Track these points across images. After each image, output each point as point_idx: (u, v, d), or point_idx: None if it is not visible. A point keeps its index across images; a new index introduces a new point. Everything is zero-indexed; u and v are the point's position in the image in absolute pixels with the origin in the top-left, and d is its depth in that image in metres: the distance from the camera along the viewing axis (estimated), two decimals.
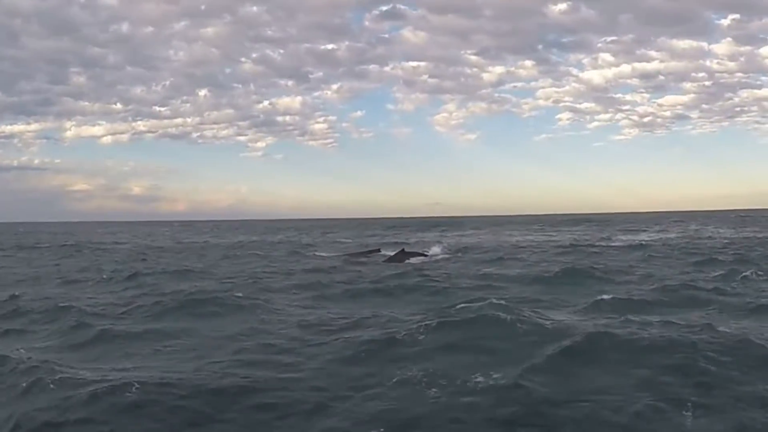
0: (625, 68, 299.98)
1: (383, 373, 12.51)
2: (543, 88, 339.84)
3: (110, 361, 13.60)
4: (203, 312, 19.56)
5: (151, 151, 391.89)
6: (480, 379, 11.66)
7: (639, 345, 13.24)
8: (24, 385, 11.94)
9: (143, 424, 10.24)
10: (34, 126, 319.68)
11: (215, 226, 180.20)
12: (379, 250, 45.43)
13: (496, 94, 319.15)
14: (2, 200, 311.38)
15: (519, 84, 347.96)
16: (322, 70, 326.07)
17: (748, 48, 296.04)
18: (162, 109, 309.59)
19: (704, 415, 9.81)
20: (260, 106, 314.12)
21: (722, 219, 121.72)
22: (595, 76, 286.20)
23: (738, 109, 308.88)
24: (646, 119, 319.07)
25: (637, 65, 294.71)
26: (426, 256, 39.04)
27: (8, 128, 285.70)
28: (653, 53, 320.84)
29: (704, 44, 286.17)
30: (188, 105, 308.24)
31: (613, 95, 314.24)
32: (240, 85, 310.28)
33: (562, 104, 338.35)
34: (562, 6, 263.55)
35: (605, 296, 19.88)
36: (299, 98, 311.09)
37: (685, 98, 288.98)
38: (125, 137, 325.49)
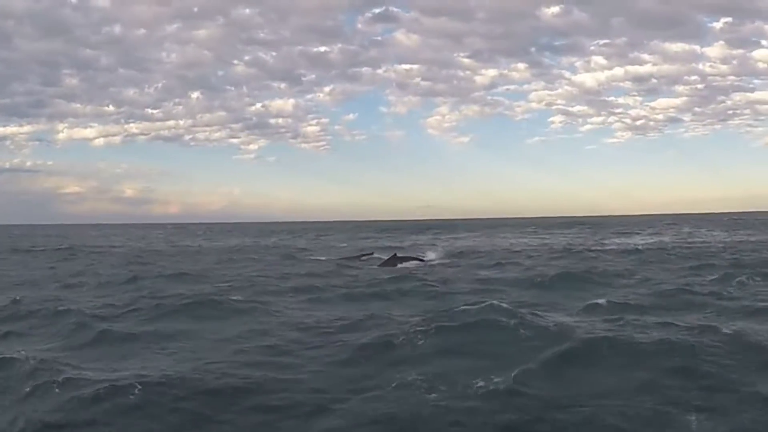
0: (618, 71, 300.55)
1: (382, 376, 12.59)
2: (536, 90, 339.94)
3: (111, 362, 13.65)
4: (202, 315, 19.63)
5: (143, 153, 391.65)
6: (480, 383, 11.68)
7: (639, 348, 13.28)
8: (27, 386, 12.01)
9: (145, 425, 10.33)
10: (26, 128, 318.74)
11: (208, 228, 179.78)
12: (373, 254, 45.49)
13: (489, 97, 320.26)
14: None
15: (512, 87, 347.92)
16: (314, 72, 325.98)
17: (740, 51, 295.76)
18: (154, 111, 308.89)
19: (709, 417, 9.82)
20: (253, 108, 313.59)
21: (715, 222, 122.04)
22: (588, 79, 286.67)
23: (730, 112, 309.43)
24: (638, 122, 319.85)
25: (630, 68, 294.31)
26: (421, 260, 39.01)
27: (0, 130, 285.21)
28: (646, 56, 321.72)
29: (697, 47, 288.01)
30: (181, 107, 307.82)
31: (606, 98, 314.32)
32: (232, 88, 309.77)
33: (554, 107, 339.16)
34: (555, 9, 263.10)
35: (603, 300, 19.93)
36: (292, 100, 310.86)
37: (677, 101, 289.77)
38: (117, 139, 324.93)
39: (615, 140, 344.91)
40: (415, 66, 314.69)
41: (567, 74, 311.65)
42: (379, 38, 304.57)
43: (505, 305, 17.48)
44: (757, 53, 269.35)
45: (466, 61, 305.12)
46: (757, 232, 72.74)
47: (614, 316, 16.98)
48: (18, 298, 22.78)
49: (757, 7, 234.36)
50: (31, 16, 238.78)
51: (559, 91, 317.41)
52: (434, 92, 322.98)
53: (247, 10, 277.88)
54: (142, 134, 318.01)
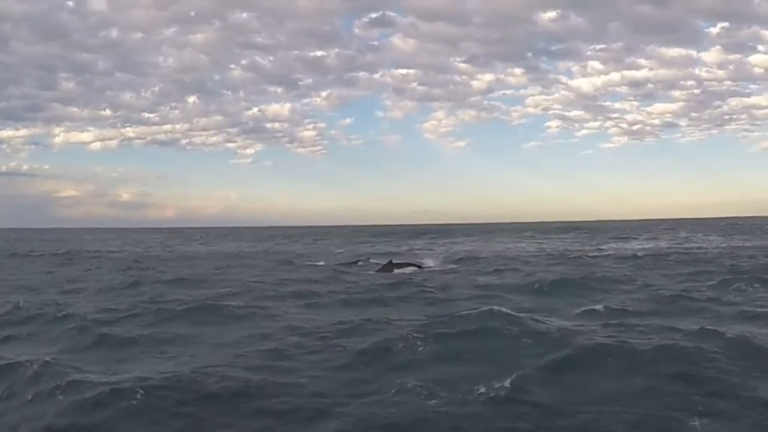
0: (614, 76, 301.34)
1: (382, 381, 12.66)
2: (532, 95, 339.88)
3: (113, 366, 13.71)
4: (201, 320, 19.74)
5: (140, 157, 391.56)
6: (480, 388, 11.70)
7: (639, 354, 13.30)
8: (30, 391, 12.11)
9: (147, 429, 10.44)
10: (22, 131, 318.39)
11: (205, 233, 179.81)
12: (370, 259, 45.51)
13: (486, 102, 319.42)
14: None
15: (508, 91, 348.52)
16: (311, 77, 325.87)
17: (737, 56, 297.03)
18: (151, 115, 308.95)
19: (712, 422, 9.86)
20: (249, 112, 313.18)
21: (712, 227, 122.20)
22: (584, 84, 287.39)
23: (727, 117, 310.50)
24: (635, 127, 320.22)
25: (626, 73, 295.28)
26: (419, 266, 38.98)
27: None
28: (642, 61, 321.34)
29: (693, 52, 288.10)
30: (177, 111, 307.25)
31: (602, 103, 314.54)
32: (229, 92, 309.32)
33: (551, 112, 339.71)
34: (552, 14, 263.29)
35: (601, 306, 20.00)
36: (288, 105, 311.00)
37: (674, 106, 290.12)
38: (114, 143, 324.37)
39: (611, 145, 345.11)
40: (411, 71, 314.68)
41: (563, 79, 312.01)
42: (375, 43, 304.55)
43: (504, 311, 17.54)
44: (754, 58, 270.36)
45: (463, 65, 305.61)
46: (754, 237, 72.89)
47: (613, 321, 17.04)
48: (19, 302, 22.81)
49: (753, 12, 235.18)
50: (27, 19, 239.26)
51: (556, 96, 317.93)
52: (431, 97, 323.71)
53: (244, 15, 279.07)
54: (138, 138, 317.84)
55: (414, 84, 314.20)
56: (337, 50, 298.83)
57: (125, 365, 13.69)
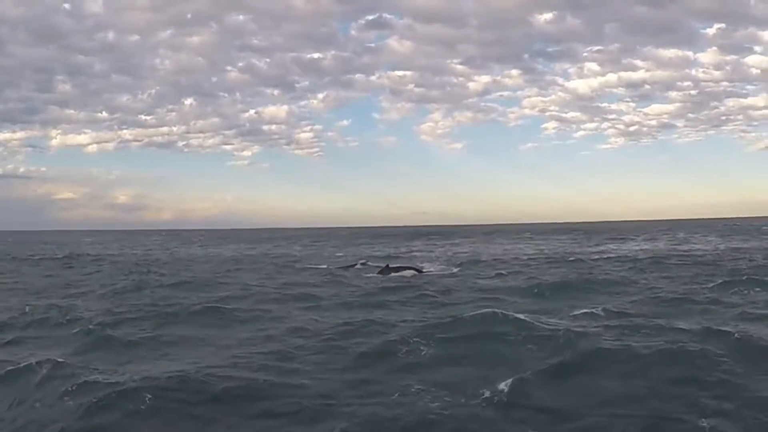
0: (611, 77, 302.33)
1: (385, 383, 12.78)
2: (529, 97, 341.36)
3: (120, 368, 13.79)
4: (206, 322, 19.92)
5: (137, 159, 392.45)
6: (483, 390, 11.79)
7: (643, 356, 13.37)
8: (40, 392, 12.29)
9: (154, 430, 10.58)
10: (19, 134, 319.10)
11: (203, 235, 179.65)
12: (370, 263, 45.54)
13: (482, 104, 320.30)
14: None
15: (505, 93, 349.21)
16: (308, 79, 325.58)
17: (733, 57, 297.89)
18: (148, 117, 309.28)
19: (719, 423, 9.90)
20: (246, 114, 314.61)
21: (710, 228, 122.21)
22: (581, 86, 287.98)
23: (724, 117, 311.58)
24: (632, 128, 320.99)
25: (623, 74, 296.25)
26: (419, 270, 38.97)
27: None
28: (639, 62, 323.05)
29: (690, 53, 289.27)
30: (174, 114, 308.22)
31: (599, 104, 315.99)
32: (226, 94, 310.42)
33: (548, 113, 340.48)
34: (548, 15, 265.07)
35: (603, 308, 20.02)
36: (285, 107, 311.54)
37: (670, 107, 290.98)
38: (111, 146, 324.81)
39: (608, 146, 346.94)
40: (408, 72, 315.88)
41: (560, 80, 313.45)
42: (372, 45, 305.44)
43: (506, 314, 17.55)
44: (750, 59, 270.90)
45: (460, 67, 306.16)
46: (752, 238, 72.94)
47: (616, 324, 17.06)
48: (25, 306, 23.02)
49: (750, 14, 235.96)
50: (24, 22, 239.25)
51: (553, 97, 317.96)
52: (427, 99, 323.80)
53: (241, 17, 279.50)
54: (135, 140, 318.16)
55: (411, 86, 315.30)
56: (333, 52, 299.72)
57: (132, 367, 13.78)
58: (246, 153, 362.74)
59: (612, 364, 13.05)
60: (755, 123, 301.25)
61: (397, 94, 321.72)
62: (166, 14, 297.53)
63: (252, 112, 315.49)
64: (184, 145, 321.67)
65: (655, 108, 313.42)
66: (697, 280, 28.32)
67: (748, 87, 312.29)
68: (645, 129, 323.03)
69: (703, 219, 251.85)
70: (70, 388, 12.05)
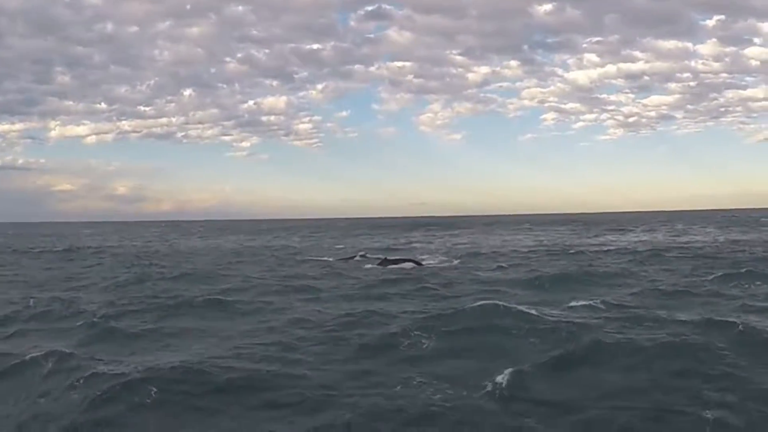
0: (611, 68, 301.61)
1: (387, 374, 12.92)
2: (528, 88, 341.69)
3: (125, 359, 13.89)
4: (208, 314, 20.06)
5: (135, 150, 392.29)
6: (485, 382, 11.90)
7: (646, 347, 13.46)
8: (45, 384, 12.49)
9: (159, 419, 10.72)
10: (18, 126, 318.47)
11: (202, 226, 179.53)
12: (371, 255, 45.56)
13: (482, 94, 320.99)
14: None
15: (504, 84, 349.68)
16: (307, 70, 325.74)
17: (732, 48, 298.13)
18: (146, 108, 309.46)
19: (724, 414, 9.96)
20: (245, 105, 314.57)
21: (708, 219, 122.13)
22: (580, 77, 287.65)
23: (723, 109, 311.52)
24: (631, 119, 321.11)
25: (622, 66, 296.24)
26: (420, 261, 39.00)
27: None
28: (638, 54, 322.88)
29: (689, 45, 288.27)
30: (173, 105, 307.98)
31: (598, 95, 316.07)
32: (225, 85, 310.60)
33: (547, 104, 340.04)
34: (548, 6, 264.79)
35: (605, 300, 20.12)
36: (284, 98, 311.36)
37: (670, 98, 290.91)
38: (110, 137, 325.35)
39: (607, 137, 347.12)
40: (407, 63, 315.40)
41: (559, 72, 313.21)
42: (371, 36, 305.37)
43: (507, 306, 17.70)
44: (750, 51, 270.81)
45: (459, 58, 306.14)
46: (751, 230, 72.92)
47: (617, 316, 17.16)
48: (29, 299, 23.11)
49: (749, 5, 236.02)
50: (23, 13, 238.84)
51: (552, 88, 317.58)
52: (427, 89, 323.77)
53: (240, 8, 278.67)
54: (134, 132, 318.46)
55: (410, 76, 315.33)
56: (332, 43, 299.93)
57: (136, 358, 13.86)
58: (245, 144, 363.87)
59: (614, 357, 13.11)
60: (754, 115, 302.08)
61: (396, 84, 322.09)
62: (164, 5, 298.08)
63: (251, 103, 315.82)
64: (182, 136, 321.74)
65: (654, 99, 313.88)
66: (698, 273, 28.38)
67: (748, 79, 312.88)
68: (644, 120, 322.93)
69: (702, 210, 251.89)
70: (75, 381, 12.17)
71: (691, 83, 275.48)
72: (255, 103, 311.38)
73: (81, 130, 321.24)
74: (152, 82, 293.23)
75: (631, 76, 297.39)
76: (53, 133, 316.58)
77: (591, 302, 19.71)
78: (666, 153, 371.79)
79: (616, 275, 28.25)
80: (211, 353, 14.46)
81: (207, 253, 54.27)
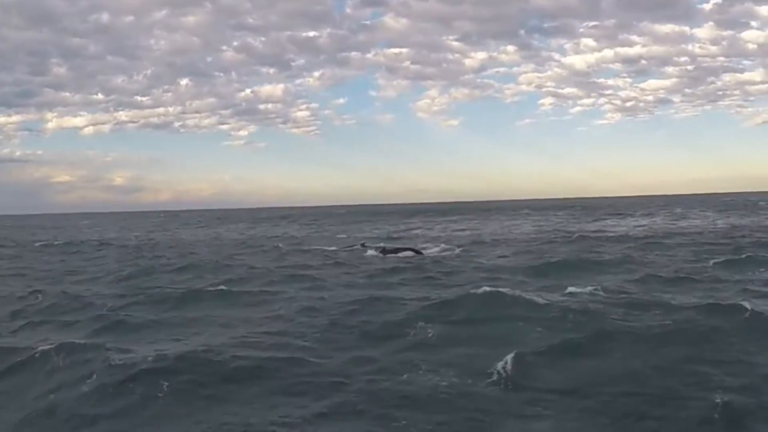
0: (608, 53, 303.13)
1: (392, 360, 13.13)
2: (525, 73, 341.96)
3: (134, 350, 13.97)
4: (214, 304, 20.27)
5: (133, 141, 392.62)
6: (491, 368, 12.04)
7: (652, 332, 13.64)
8: (56, 377, 12.62)
9: (170, 408, 10.86)
10: (15, 117, 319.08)
11: (201, 216, 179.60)
12: (374, 244, 45.56)
13: (479, 80, 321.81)
14: None
15: (501, 69, 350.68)
16: (303, 57, 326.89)
17: (730, 32, 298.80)
18: (143, 98, 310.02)
19: (733, 397, 10.01)
20: (242, 94, 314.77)
21: (707, 203, 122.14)
22: (578, 61, 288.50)
23: (720, 92, 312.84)
24: (628, 104, 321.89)
25: (620, 50, 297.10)
26: (420, 251, 38.98)
27: None
28: (635, 38, 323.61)
29: (686, 28, 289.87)
30: (170, 94, 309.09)
31: (596, 80, 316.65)
32: (221, 74, 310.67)
33: (544, 89, 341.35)
34: None
35: (609, 286, 20.31)
36: (281, 86, 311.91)
37: (667, 82, 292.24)
38: (107, 128, 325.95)
39: (605, 122, 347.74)
40: (404, 50, 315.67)
41: (556, 56, 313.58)
42: (368, 22, 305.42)
43: (510, 292, 17.87)
44: (747, 34, 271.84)
45: (456, 44, 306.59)
46: (750, 214, 73.11)
47: (621, 302, 17.23)
48: (36, 292, 23.26)
49: None
50: (18, 5, 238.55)
51: (549, 73, 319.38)
52: (424, 75, 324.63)
53: None
54: (131, 122, 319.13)
55: (407, 63, 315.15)
56: (329, 30, 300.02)
57: (145, 350, 13.94)
58: (242, 133, 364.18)
59: (619, 343, 13.25)
60: (752, 98, 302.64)
61: (393, 71, 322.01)
62: None
63: (248, 91, 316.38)
64: (180, 125, 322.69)
65: (651, 83, 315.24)
66: (699, 259, 28.40)
67: (745, 62, 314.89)
68: (641, 104, 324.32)
69: (700, 194, 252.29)
70: (87, 373, 12.30)
71: (689, 67, 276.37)
72: (252, 92, 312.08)
73: (78, 121, 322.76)
74: (149, 71, 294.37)
75: (628, 61, 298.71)
76: (50, 125, 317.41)
77: (594, 288, 19.78)
78: (664, 137, 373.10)
79: (617, 261, 28.28)
80: (219, 342, 14.62)
81: (209, 243, 54.30)
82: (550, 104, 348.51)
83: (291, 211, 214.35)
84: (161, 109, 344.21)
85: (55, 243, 57.63)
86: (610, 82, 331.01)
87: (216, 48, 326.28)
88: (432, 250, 38.77)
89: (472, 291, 18.33)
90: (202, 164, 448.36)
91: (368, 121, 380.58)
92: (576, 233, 47.77)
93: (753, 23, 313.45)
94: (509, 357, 12.33)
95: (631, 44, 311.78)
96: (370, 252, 38.50)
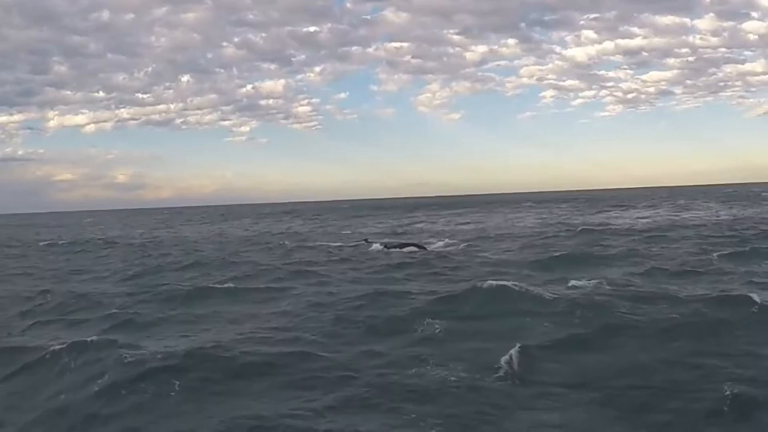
0: (608, 45, 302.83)
1: (400, 354, 13.25)
2: (526, 66, 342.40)
3: (144, 348, 14.06)
4: (223, 300, 20.47)
5: (134, 138, 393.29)
6: (498, 362, 12.11)
7: (659, 325, 13.73)
8: (67, 376, 12.77)
9: (183, 403, 11.02)
10: (16, 116, 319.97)
11: (205, 212, 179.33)
12: (378, 240, 45.49)
13: (480, 73, 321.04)
14: None
15: (502, 62, 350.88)
16: (304, 52, 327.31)
17: (730, 23, 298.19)
18: (145, 96, 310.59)
19: (743, 389, 10.04)
20: (243, 90, 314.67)
21: (709, 195, 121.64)
22: (579, 54, 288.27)
23: (722, 84, 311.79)
24: (630, 95, 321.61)
25: (620, 42, 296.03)
26: (428, 244, 38.96)
27: None
28: (636, 30, 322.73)
29: (687, 20, 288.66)
30: (171, 91, 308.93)
31: (597, 72, 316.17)
32: (222, 70, 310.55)
33: (545, 82, 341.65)
34: None
35: (616, 279, 20.37)
36: (282, 81, 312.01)
37: (668, 74, 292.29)
38: (108, 125, 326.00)
39: (606, 114, 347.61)
40: (405, 44, 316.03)
41: (557, 49, 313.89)
42: (368, 17, 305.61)
43: (516, 286, 17.88)
44: (748, 25, 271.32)
45: (456, 37, 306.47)
46: (752, 205, 72.92)
47: (628, 295, 17.21)
48: (44, 291, 23.44)
49: None
50: (18, 4, 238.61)
51: (550, 66, 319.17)
52: (424, 69, 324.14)
53: None
54: (132, 119, 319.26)
55: (408, 57, 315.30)
56: (329, 25, 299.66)
57: (155, 347, 14.07)
58: (244, 128, 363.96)
59: (627, 336, 13.35)
60: (753, 89, 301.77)
61: (394, 65, 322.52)
62: None
63: (249, 87, 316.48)
64: (181, 122, 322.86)
65: (653, 75, 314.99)
66: (704, 251, 28.28)
67: (746, 53, 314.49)
68: (643, 96, 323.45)
69: (703, 186, 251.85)
70: (97, 371, 12.44)
71: (690, 58, 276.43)
72: (253, 87, 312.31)
73: (80, 119, 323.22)
74: (150, 69, 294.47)
75: (629, 53, 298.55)
76: (52, 123, 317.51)
77: (600, 282, 19.77)
78: (665, 129, 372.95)
79: (622, 254, 28.25)
80: (228, 338, 14.76)
81: (213, 240, 54.33)
82: (552, 97, 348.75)
83: (294, 207, 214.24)
84: (162, 106, 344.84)
85: (60, 242, 57.62)
86: (612, 74, 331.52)
87: (216, 44, 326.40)
88: (436, 245, 38.73)
89: (479, 285, 18.30)
90: (204, 161, 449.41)
91: (370, 116, 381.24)
92: (580, 226, 47.69)
93: (754, 14, 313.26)
94: (517, 351, 12.41)
95: (631, 36, 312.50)
96: (375, 247, 38.50)
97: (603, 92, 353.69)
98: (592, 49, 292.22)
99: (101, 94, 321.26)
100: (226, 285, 23.00)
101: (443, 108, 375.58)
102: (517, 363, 11.97)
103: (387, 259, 31.53)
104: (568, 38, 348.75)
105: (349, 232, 58.35)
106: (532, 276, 22.83)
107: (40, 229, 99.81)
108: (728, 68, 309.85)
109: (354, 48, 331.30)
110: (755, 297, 15.30)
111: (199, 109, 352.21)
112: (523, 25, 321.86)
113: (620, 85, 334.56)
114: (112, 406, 10.94)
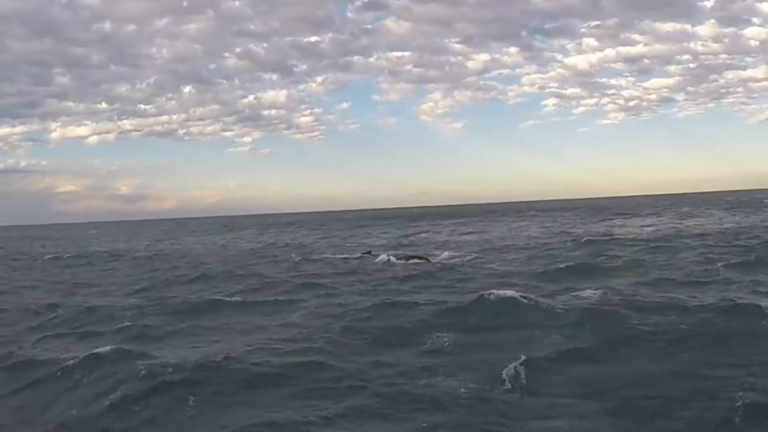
0: (610, 52, 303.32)
1: (409, 364, 13.33)
2: (528, 74, 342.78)
3: (156, 360, 14.07)
4: (232, 312, 20.57)
5: (137, 149, 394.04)
6: (507, 372, 12.16)
7: (668, 335, 13.77)
8: (79, 389, 12.82)
9: (193, 419, 11.01)
10: (19, 128, 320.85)
11: (209, 223, 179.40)
12: (380, 252, 45.41)
13: (482, 82, 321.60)
14: None
15: (504, 71, 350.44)
16: (306, 62, 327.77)
17: (731, 29, 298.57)
18: (147, 107, 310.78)
19: (755, 397, 10.06)
20: (245, 100, 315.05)
21: (713, 202, 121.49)
22: (580, 61, 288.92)
23: (723, 90, 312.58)
24: (631, 103, 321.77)
25: (622, 49, 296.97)
26: (434, 256, 38.95)
27: None
28: (637, 37, 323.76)
29: (688, 26, 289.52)
30: (173, 102, 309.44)
31: (598, 80, 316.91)
32: (224, 81, 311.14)
33: (547, 90, 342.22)
34: None
35: (623, 288, 20.44)
36: (284, 92, 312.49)
37: (670, 81, 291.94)
38: (111, 136, 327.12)
39: (608, 122, 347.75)
40: (406, 53, 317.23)
41: (559, 57, 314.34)
42: (369, 26, 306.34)
43: (524, 297, 17.96)
44: (749, 31, 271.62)
45: (458, 46, 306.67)
46: (756, 211, 72.82)
47: (636, 305, 17.21)
48: (54, 304, 23.56)
49: None
50: (20, 16, 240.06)
51: (552, 74, 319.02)
52: (426, 79, 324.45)
53: (237, 3, 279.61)
54: (135, 130, 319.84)
55: (409, 66, 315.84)
56: (331, 35, 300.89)
57: (167, 359, 14.09)
58: (246, 139, 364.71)
59: (636, 346, 13.41)
60: (755, 95, 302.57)
61: (395, 75, 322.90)
62: (161, 2, 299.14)
63: (251, 97, 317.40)
64: (184, 133, 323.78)
65: (654, 82, 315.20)
66: (710, 260, 28.18)
67: (747, 59, 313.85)
68: (645, 103, 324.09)
69: (706, 192, 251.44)
70: (110, 385, 12.51)
71: (691, 65, 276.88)
72: (255, 98, 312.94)
73: (82, 130, 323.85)
74: (152, 80, 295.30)
75: (630, 60, 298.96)
76: (54, 135, 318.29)
77: (607, 292, 19.79)
78: (668, 136, 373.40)
79: (628, 264, 28.29)
80: (239, 349, 14.84)
81: (219, 253, 54.39)
82: (554, 105, 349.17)
83: (297, 217, 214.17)
84: (165, 117, 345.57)
85: (66, 255, 57.51)
86: (613, 81, 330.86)
87: (218, 55, 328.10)
88: (441, 256, 38.69)
89: (486, 296, 18.37)
90: (207, 171, 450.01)
91: (372, 126, 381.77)
92: (584, 236, 47.50)
93: (755, 20, 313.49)
94: (525, 361, 12.50)
95: (633, 43, 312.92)
96: (380, 259, 38.49)
97: (605, 100, 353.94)
98: (594, 57, 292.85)
99: (103, 105, 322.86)
100: (234, 298, 23.09)
101: (445, 117, 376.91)
102: (526, 374, 12.03)
103: (393, 272, 31.52)
104: (570, 46, 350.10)
105: (354, 243, 58.17)
106: (540, 287, 22.79)
107: (45, 241, 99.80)
108: (729, 74, 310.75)
109: (355, 58, 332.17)
110: (764, 306, 15.34)
111: (201, 119, 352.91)
112: (524, 33, 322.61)
113: (622, 92, 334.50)
114: (125, 420, 10.97)
